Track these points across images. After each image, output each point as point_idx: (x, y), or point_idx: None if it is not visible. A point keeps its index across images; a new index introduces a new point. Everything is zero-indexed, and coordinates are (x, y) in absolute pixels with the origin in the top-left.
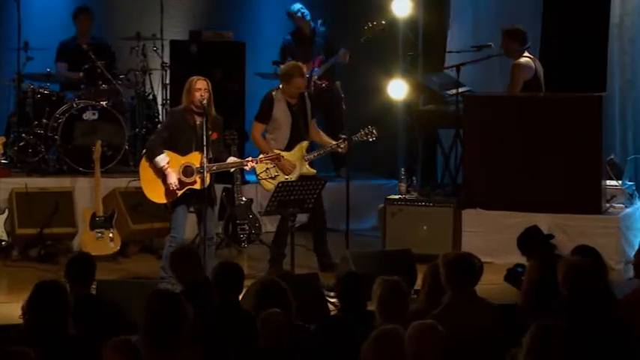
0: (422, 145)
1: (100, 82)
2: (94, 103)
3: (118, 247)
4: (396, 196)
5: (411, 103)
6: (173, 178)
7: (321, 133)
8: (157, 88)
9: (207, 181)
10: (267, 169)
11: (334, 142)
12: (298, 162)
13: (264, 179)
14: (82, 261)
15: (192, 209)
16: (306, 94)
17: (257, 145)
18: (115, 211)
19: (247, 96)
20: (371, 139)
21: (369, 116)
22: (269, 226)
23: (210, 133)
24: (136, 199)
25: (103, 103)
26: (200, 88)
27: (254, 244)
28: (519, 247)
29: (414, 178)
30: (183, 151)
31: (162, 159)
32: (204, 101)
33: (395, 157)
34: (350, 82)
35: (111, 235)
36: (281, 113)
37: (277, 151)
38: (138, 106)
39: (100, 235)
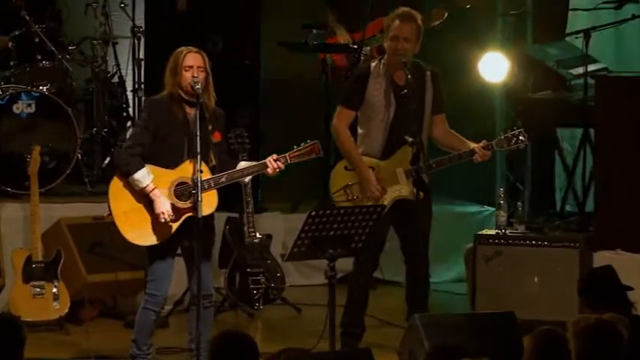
0: (532, 152)
1: (39, 57)
2: (29, 88)
3: (66, 310)
4: (492, 231)
5: (516, 87)
6: (164, 205)
7: (454, 133)
8: (126, 65)
9: (211, 205)
10: (347, 186)
11: (472, 146)
12: (396, 178)
13: (342, 201)
14: (3, 326)
15: (179, 251)
16: (429, 72)
17: (338, 144)
18: (62, 254)
19: (263, 77)
20: (521, 147)
21: (451, 108)
22: (297, 276)
23: (210, 130)
24: (94, 236)
25: (44, 88)
26: (192, 65)
27: (273, 305)
28: (581, 294)
29: (519, 203)
30: (170, 161)
31: (144, 176)
32: (198, 85)
33: (491, 172)
34: (422, 57)
35: (55, 290)
36: (377, 96)
37: (367, 160)
38: (97, 92)
39: (38, 290)
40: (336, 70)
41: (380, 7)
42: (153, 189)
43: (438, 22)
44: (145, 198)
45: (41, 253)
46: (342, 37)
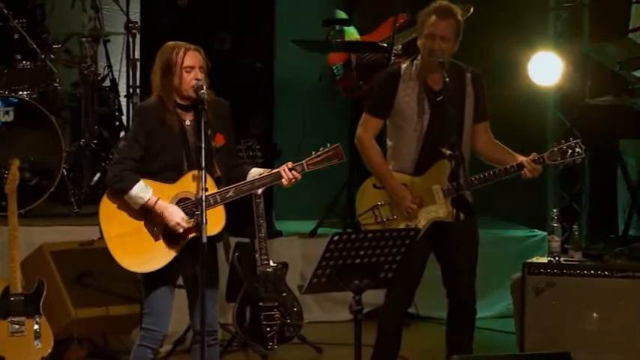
0: (590, 167)
1: (19, 57)
2: (6, 93)
3: (50, 350)
4: (544, 259)
5: (571, 92)
6: (176, 214)
7: (500, 144)
8: (119, 66)
9: (218, 224)
10: (376, 206)
11: (521, 159)
12: (432, 197)
13: (370, 224)
14: None
15: (181, 281)
16: (469, 74)
17: (364, 158)
18: (45, 286)
19: (278, 81)
20: (578, 161)
21: (496, 116)
22: (317, 311)
23: (210, 134)
24: (82, 264)
25: (24, 93)
26: (193, 65)
27: (290, 345)
28: None
29: (575, 226)
30: (167, 176)
31: (143, 190)
32: (204, 90)
33: (543, 190)
34: (461, 58)
35: (36, 327)
36: (409, 102)
37: (399, 176)
38: (85, 98)
39: (17, 327)
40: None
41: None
42: (156, 201)
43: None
44: (141, 218)
45: (20, 284)
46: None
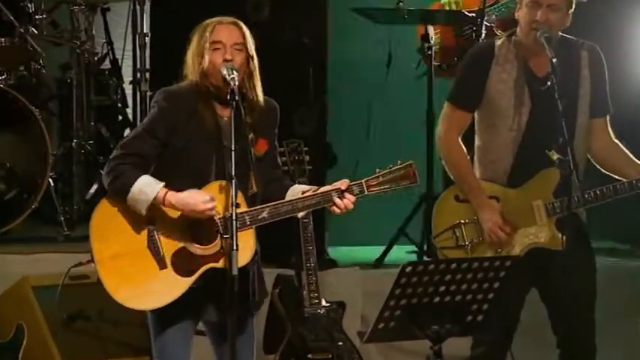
0: None
1: None
2: None
3: None
4: None
5: None
6: (196, 197)
7: (622, 147)
8: (123, 43)
9: (246, 251)
10: (458, 225)
11: None
12: (532, 216)
13: (449, 248)
14: None
15: (202, 325)
16: (585, 53)
17: (447, 163)
18: (25, 331)
19: (333, 62)
20: None
21: (616, 110)
22: None
23: (251, 139)
24: (74, 302)
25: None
26: (222, 41)
27: None
28: None
29: None
30: (187, 184)
31: (149, 185)
32: (234, 74)
33: None
34: (573, 33)
35: None
36: (504, 91)
37: (489, 187)
38: (78, 84)
39: None
40: (445, 53)
41: None
42: (165, 194)
43: None
44: (145, 232)
45: None
46: None
